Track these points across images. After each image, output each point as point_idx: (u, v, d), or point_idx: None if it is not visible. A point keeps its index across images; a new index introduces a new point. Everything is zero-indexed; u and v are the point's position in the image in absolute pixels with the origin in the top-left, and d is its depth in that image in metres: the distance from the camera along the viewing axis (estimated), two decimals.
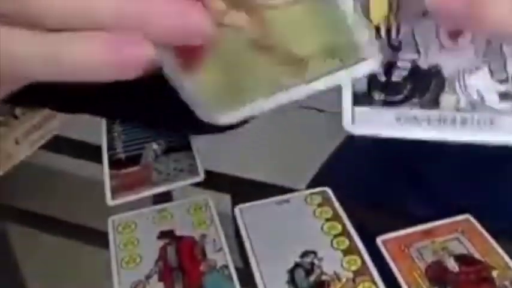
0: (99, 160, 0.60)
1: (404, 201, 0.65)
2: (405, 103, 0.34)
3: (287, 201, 0.54)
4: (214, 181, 0.58)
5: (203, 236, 0.50)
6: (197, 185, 0.56)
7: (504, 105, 0.32)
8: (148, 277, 0.47)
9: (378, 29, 0.35)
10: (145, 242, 0.50)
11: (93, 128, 0.66)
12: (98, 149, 0.61)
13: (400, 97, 0.34)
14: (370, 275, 0.45)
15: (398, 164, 0.62)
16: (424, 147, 0.56)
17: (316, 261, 0.47)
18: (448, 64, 0.32)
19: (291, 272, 0.46)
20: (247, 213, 0.52)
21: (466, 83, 0.32)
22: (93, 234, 0.67)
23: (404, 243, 0.48)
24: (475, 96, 0.32)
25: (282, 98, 0.34)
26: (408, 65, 0.34)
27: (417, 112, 0.33)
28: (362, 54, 0.34)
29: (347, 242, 0.48)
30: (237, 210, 0.53)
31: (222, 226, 0.51)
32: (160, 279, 0.46)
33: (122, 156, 0.60)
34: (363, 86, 0.36)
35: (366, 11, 0.36)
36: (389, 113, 0.35)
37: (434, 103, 0.33)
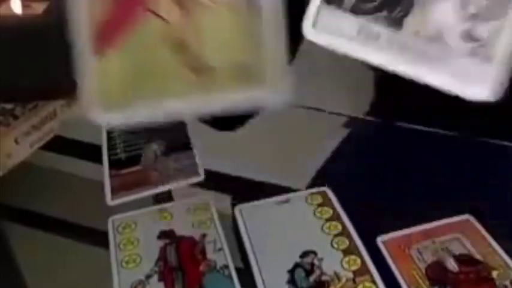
0: (99, 160, 0.60)
1: (405, 201, 0.65)
2: (373, 14, 0.31)
3: (287, 201, 0.54)
4: (214, 181, 0.58)
5: (203, 236, 0.50)
6: (197, 185, 0.56)
7: (462, 45, 0.29)
8: (148, 277, 0.47)
9: None
10: (145, 242, 0.50)
11: (93, 128, 0.66)
12: (98, 149, 0.61)
13: (370, 6, 0.31)
14: (370, 275, 0.45)
15: (399, 164, 0.62)
16: (424, 147, 0.56)
17: (316, 261, 0.47)
18: None
19: (291, 272, 0.46)
20: (247, 213, 0.52)
21: (431, 11, 0.30)
22: (93, 234, 0.67)
23: (404, 243, 0.48)
24: (434, 30, 0.30)
25: (176, 107, 0.35)
26: None
27: (380, 29, 0.31)
28: (272, 84, 0.35)
29: (347, 242, 0.48)
30: (237, 210, 0.53)
31: (222, 226, 0.51)
32: (160, 279, 0.46)
33: (122, 156, 0.60)
34: None
35: None
36: (354, 23, 0.32)
37: (399, 23, 0.31)
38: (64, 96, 0.70)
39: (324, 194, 0.54)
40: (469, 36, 0.29)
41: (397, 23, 0.31)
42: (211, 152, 0.65)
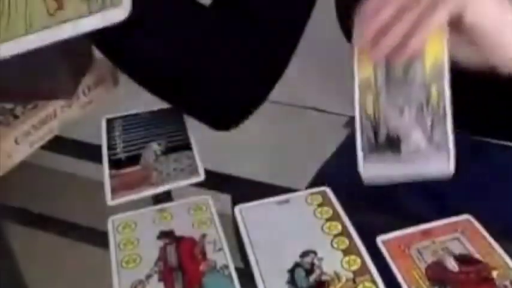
0: (99, 160, 0.60)
1: (405, 201, 0.65)
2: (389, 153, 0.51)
3: (287, 201, 0.54)
4: (214, 181, 0.58)
5: (203, 236, 0.50)
6: (197, 185, 0.56)
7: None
8: (148, 277, 0.47)
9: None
10: (145, 242, 0.50)
11: (93, 128, 0.66)
12: (98, 149, 0.61)
13: (390, 154, 0.51)
14: (370, 275, 0.45)
15: None
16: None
17: (316, 261, 0.47)
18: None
19: (291, 272, 0.46)
20: (247, 213, 0.52)
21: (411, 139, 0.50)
22: (93, 234, 0.67)
23: (404, 243, 0.48)
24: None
25: (33, 41, 0.37)
26: None
27: (393, 157, 0.50)
28: (116, 2, 0.38)
29: (347, 242, 0.48)
30: (237, 210, 0.53)
31: (222, 226, 0.51)
32: (160, 279, 0.46)
33: (122, 156, 0.60)
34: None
35: None
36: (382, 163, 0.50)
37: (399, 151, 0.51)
38: (64, 96, 0.70)
39: (324, 194, 0.54)
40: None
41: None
42: (211, 152, 0.65)
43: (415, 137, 0.50)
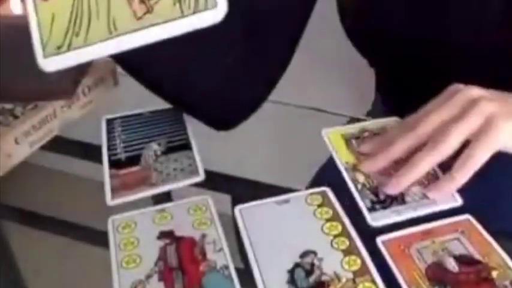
0: (99, 160, 0.60)
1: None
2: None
3: (287, 201, 0.54)
4: (214, 181, 0.58)
5: (203, 236, 0.50)
6: (197, 185, 0.56)
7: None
8: (148, 277, 0.47)
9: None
10: (145, 242, 0.50)
11: (93, 128, 0.66)
12: (98, 149, 0.61)
13: (395, 209, 0.52)
14: (370, 275, 0.45)
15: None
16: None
17: (316, 261, 0.47)
18: None
19: (291, 272, 0.46)
20: (247, 213, 0.52)
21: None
22: (93, 234, 0.67)
23: (404, 243, 0.48)
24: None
25: (118, 44, 0.37)
26: None
27: (400, 208, 0.53)
28: (210, 4, 0.37)
29: (347, 242, 0.48)
30: (237, 210, 0.53)
31: (222, 226, 0.51)
32: (160, 279, 0.46)
33: (122, 156, 0.60)
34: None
35: None
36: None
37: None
38: (64, 97, 0.70)
39: (324, 194, 0.54)
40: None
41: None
42: (211, 152, 0.65)
43: (416, 189, 0.53)
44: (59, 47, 0.36)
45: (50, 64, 0.37)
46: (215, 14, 0.38)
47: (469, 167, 0.50)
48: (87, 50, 0.36)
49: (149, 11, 0.36)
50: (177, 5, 0.37)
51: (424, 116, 0.54)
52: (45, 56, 0.36)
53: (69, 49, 0.36)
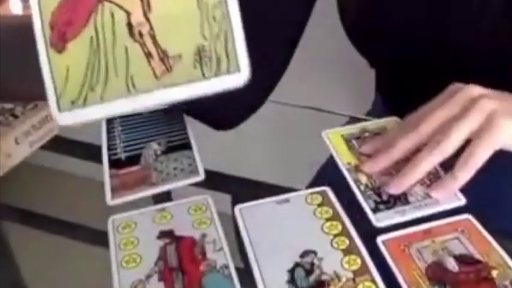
0: (99, 160, 0.60)
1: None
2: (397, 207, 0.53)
3: (287, 201, 0.53)
4: (214, 181, 0.58)
5: (203, 236, 0.50)
6: (197, 185, 0.56)
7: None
8: (148, 277, 0.47)
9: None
10: (145, 242, 0.50)
11: (93, 128, 0.66)
12: (98, 149, 0.61)
13: (400, 209, 0.52)
14: (370, 275, 0.45)
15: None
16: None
17: (316, 261, 0.47)
18: None
19: (291, 272, 0.46)
20: (247, 213, 0.52)
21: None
22: (93, 234, 0.67)
23: (404, 243, 0.48)
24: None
25: (135, 103, 0.35)
26: None
27: (404, 208, 0.53)
28: (232, 67, 0.36)
29: (347, 242, 0.48)
30: (237, 210, 0.53)
31: (222, 226, 0.51)
32: (160, 279, 0.46)
33: (122, 156, 0.60)
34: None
35: None
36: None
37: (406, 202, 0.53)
38: None
39: (324, 194, 0.54)
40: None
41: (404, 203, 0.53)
42: (211, 152, 0.65)
43: (418, 189, 0.53)
44: (73, 102, 0.35)
45: (65, 118, 0.35)
46: (238, 78, 0.36)
47: (471, 165, 0.50)
48: (103, 106, 0.35)
49: (169, 70, 0.35)
50: (198, 66, 0.35)
51: (425, 115, 0.54)
52: (59, 110, 0.35)
53: (84, 104, 0.35)
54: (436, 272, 0.46)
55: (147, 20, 0.34)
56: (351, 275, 0.45)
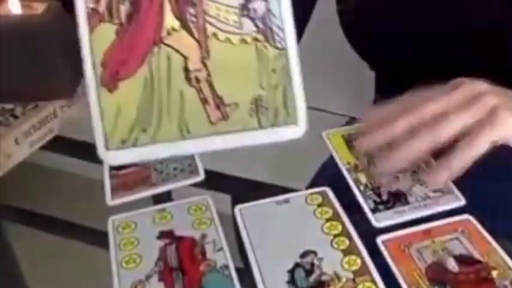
0: (99, 160, 0.60)
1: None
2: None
3: (287, 201, 0.54)
4: (214, 181, 0.58)
5: (203, 236, 0.50)
6: (197, 185, 0.56)
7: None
8: (148, 277, 0.47)
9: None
10: (145, 242, 0.50)
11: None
12: None
13: (400, 209, 0.52)
14: (370, 275, 0.45)
15: None
16: None
17: (316, 261, 0.47)
18: None
19: (291, 272, 0.46)
20: (247, 213, 0.52)
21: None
22: (93, 234, 0.67)
23: (404, 243, 0.48)
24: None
25: (188, 147, 0.34)
26: None
27: (404, 208, 0.52)
28: (290, 120, 0.35)
29: (347, 242, 0.48)
30: (237, 210, 0.53)
31: (222, 226, 0.51)
32: (160, 279, 0.46)
33: None
34: None
35: None
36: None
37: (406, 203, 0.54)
38: (64, 97, 0.70)
39: (324, 194, 0.54)
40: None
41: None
42: (211, 152, 0.65)
43: (418, 189, 0.53)
44: (123, 141, 0.34)
45: (113, 158, 0.34)
46: (295, 130, 0.36)
47: (469, 154, 0.48)
48: (154, 148, 0.34)
49: (224, 118, 0.34)
50: (255, 115, 0.35)
51: (427, 101, 0.52)
52: (107, 149, 0.34)
53: (134, 145, 0.34)
54: (436, 272, 0.46)
55: (205, 66, 0.33)
56: (351, 276, 0.46)
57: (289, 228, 0.51)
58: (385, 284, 0.45)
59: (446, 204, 0.52)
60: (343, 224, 0.50)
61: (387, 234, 0.49)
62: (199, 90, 0.34)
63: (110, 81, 0.33)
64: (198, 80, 0.33)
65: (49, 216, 0.74)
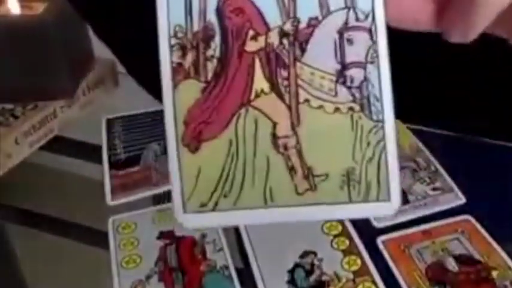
0: (99, 160, 0.60)
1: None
2: None
3: None
4: None
5: (203, 236, 0.50)
6: None
7: None
8: (148, 277, 0.47)
9: None
10: (145, 242, 0.50)
11: (93, 128, 0.66)
12: (98, 149, 0.61)
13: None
14: (370, 275, 0.45)
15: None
16: (423, 146, 0.56)
17: (316, 262, 0.47)
18: None
19: (291, 272, 0.46)
20: None
21: None
22: (93, 234, 0.67)
23: (404, 243, 0.48)
24: None
25: (272, 215, 0.33)
26: None
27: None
28: (382, 196, 0.34)
29: (347, 242, 0.48)
30: None
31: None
32: (160, 279, 0.46)
33: (122, 156, 0.60)
34: None
35: None
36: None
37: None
38: (64, 97, 0.70)
39: None
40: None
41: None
42: None
43: (417, 188, 0.53)
44: (202, 205, 0.33)
45: (190, 221, 0.33)
46: (387, 207, 0.34)
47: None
48: (235, 214, 0.33)
49: (312, 189, 0.33)
50: (345, 189, 0.33)
51: None
52: (185, 211, 0.33)
53: (214, 209, 0.33)
54: (436, 272, 0.46)
55: (295, 133, 0.32)
56: (351, 276, 0.45)
57: (289, 228, 0.51)
58: (385, 284, 0.45)
59: (447, 203, 0.52)
60: (343, 224, 0.50)
61: (387, 235, 0.49)
62: (287, 158, 0.32)
63: (192, 141, 0.32)
64: (286, 148, 0.32)
65: (49, 216, 0.74)
